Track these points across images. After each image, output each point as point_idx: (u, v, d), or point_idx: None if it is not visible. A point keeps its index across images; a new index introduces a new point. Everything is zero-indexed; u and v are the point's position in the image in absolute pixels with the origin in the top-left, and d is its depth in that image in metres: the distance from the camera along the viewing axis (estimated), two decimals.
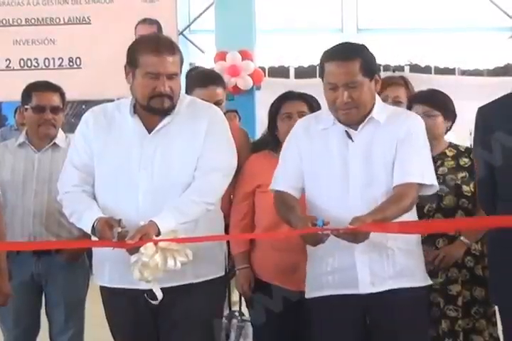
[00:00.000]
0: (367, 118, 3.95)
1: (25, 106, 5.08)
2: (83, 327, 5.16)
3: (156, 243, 3.68)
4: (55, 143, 5.07)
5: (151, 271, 3.68)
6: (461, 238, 4.63)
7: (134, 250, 3.70)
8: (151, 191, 3.93)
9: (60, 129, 5.14)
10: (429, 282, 4.09)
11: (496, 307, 4.33)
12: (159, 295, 3.80)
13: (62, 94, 5.13)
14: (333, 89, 3.86)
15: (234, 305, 5.13)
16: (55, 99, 5.07)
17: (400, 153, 3.91)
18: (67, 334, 5.08)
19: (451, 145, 4.82)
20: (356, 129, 3.95)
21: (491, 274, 4.18)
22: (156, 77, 3.91)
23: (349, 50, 3.92)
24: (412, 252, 4.00)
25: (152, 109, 3.97)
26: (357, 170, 3.90)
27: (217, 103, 4.79)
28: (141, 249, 3.66)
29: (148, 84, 3.93)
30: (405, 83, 5.31)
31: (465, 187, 4.66)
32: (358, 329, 3.96)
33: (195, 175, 3.96)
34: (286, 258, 4.44)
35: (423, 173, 3.92)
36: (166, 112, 3.99)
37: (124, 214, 3.88)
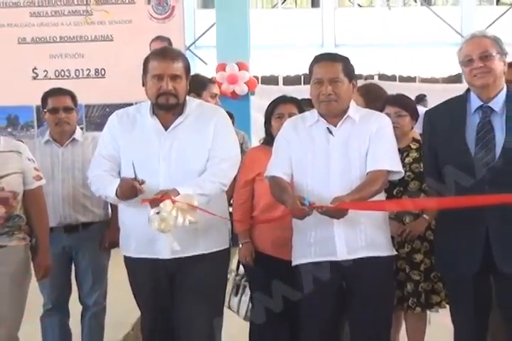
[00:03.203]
0: (344, 117, 3.98)
1: (44, 110, 5.07)
2: (106, 290, 5.16)
3: (173, 202, 3.69)
4: (74, 139, 5.05)
5: (166, 224, 3.68)
6: (424, 215, 4.65)
7: (155, 204, 3.71)
8: (169, 178, 3.93)
9: (77, 126, 5.13)
10: (394, 252, 4.11)
11: None
12: (175, 245, 3.78)
13: (73, 97, 5.09)
14: (319, 83, 3.91)
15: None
16: (67, 101, 5.03)
17: (372, 145, 3.94)
18: (94, 296, 5.10)
19: (414, 139, 4.82)
20: (335, 126, 3.98)
21: (436, 248, 4.21)
22: (161, 78, 3.94)
23: (334, 55, 4.04)
24: (381, 227, 4.02)
25: (160, 106, 4.00)
26: (336, 159, 3.93)
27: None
28: (161, 205, 3.68)
29: (155, 85, 3.96)
30: None
31: None
32: (336, 290, 3.99)
33: (209, 164, 3.97)
34: (280, 234, 4.41)
35: (392, 162, 3.97)
36: (173, 108, 4.00)
37: (146, 198, 3.89)
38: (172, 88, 3.94)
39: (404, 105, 4.81)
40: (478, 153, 3.78)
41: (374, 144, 3.95)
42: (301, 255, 4.03)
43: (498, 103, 3.84)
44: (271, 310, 4.48)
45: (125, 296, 4.32)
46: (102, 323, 5.18)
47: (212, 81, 5.18)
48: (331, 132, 3.97)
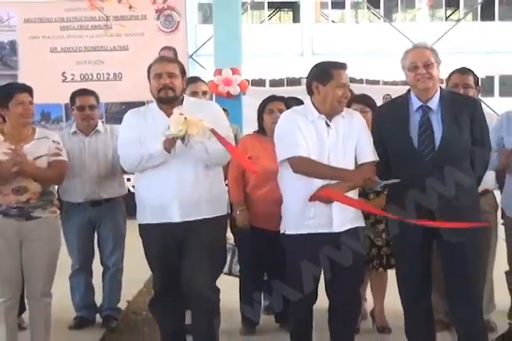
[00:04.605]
0: (339, 114, 3.99)
1: (72, 107, 5.07)
2: (123, 254, 5.18)
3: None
4: (97, 130, 5.06)
5: (190, 126, 3.72)
6: (385, 192, 4.63)
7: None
8: (179, 155, 3.92)
9: (99, 120, 5.13)
10: (364, 224, 4.10)
11: None
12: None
13: (96, 97, 5.11)
14: (343, 87, 3.89)
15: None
16: (92, 100, 5.05)
17: (360, 139, 3.97)
18: (113, 258, 5.13)
19: None
20: (331, 120, 3.95)
21: (388, 219, 4.17)
22: (160, 76, 4.01)
23: (346, 66, 3.97)
24: None
25: (161, 99, 4.05)
26: (333, 146, 3.92)
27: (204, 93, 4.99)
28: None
29: (156, 82, 4.03)
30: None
31: None
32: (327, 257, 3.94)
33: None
34: (268, 209, 4.41)
35: (375, 153, 3.97)
36: (172, 101, 4.03)
37: (160, 172, 3.96)
38: (169, 82, 4.00)
39: (368, 103, 4.85)
40: (420, 145, 3.85)
41: (361, 139, 3.97)
42: (298, 226, 3.93)
43: (434, 103, 3.90)
44: (256, 267, 4.61)
45: (139, 259, 4.32)
46: (120, 281, 5.19)
47: (193, 81, 5.03)
48: (328, 125, 3.94)
